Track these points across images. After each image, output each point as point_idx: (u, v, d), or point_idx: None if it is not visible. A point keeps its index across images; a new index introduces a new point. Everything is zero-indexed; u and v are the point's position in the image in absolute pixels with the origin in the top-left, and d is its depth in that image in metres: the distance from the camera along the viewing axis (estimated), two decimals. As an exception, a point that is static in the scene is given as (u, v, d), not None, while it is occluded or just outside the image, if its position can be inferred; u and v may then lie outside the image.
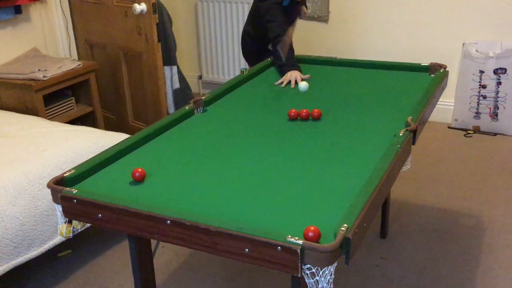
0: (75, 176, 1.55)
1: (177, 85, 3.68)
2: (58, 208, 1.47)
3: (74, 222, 1.51)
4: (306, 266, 1.18)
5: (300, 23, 4.25)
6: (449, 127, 3.95)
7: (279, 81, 2.43)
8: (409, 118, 1.85)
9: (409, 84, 2.36)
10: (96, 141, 2.53)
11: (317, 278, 1.19)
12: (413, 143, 1.80)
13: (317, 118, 2.00)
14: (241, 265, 2.42)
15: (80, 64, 3.34)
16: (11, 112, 2.98)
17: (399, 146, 1.64)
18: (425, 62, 2.53)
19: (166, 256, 2.52)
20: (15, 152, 2.38)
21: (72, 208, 1.44)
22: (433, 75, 2.44)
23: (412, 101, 2.10)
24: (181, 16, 4.62)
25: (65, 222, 1.49)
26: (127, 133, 2.67)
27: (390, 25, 3.97)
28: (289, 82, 2.41)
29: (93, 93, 3.48)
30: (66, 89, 3.41)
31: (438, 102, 2.32)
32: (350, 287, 2.28)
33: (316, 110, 2.00)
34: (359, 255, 2.48)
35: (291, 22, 2.88)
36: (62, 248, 2.55)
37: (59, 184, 1.49)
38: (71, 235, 1.51)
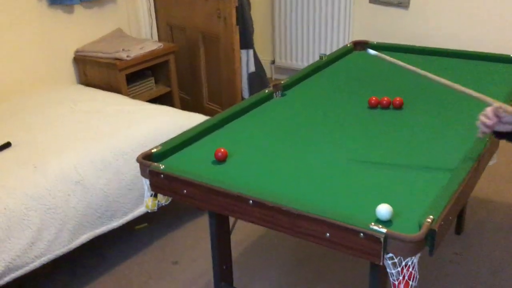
0: (162, 152, 1.61)
1: (252, 68, 3.71)
2: (146, 182, 1.54)
3: (159, 196, 1.58)
4: (388, 255, 1.18)
5: (378, 9, 4.15)
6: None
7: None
8: (498, 111, 1.77)
9: (496, 76, 2.25)
10: (176, 120, 2.61)
11: (399, 268, 1.18)
12: (502, 137, 1.73)
13: (398, 107, 1.96)
14: (311, 251, 2.43)
15: (161, 46, 3.44)
16: (97, 89, 3.13)
17: (487, 139, 1.58)
18: (515, 53, 2.40)
19: (238, 236, 2.57)
20: (102, 127, 2.50)
21: (159, 183, 1.51)
22: (523, 67, 2.31)
23: (500, 93, 2.01)
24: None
25: (151, 196, 1.56)
26: (202, 114, 2.73)
27: (475, 13, 3.78)
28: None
29: (172, 74, 3.58)
30: (147, 69, 3.53)
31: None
32: (423, 281, 2.23)
33: (398, 99, 1.96)
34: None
35: None
36: (139, 221, 2.67)
37: (147, 159, 1.56)
38: (156, 208, 1.58)
